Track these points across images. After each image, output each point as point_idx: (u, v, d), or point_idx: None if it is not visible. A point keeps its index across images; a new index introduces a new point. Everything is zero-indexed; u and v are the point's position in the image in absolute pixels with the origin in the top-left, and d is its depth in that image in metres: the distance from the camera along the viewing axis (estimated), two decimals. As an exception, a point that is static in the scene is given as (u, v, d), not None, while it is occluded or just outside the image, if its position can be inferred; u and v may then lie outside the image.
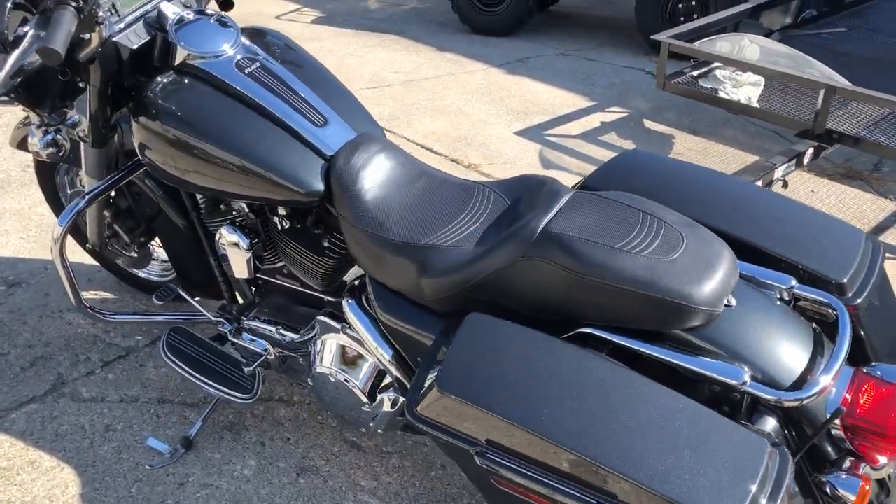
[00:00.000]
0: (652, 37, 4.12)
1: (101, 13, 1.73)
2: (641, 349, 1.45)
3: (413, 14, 6.53)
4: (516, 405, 1.37)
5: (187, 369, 2.12)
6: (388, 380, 1.88)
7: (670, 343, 1.46)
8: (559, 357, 1.42)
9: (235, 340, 2.17)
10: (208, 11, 1.93)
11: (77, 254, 2.96)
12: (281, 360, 2.13)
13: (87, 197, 2.08)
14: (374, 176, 1.78)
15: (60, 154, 2.07)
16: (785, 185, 3.45)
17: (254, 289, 2.21)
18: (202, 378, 2.11)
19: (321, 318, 1.93)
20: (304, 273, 1.97)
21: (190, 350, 2.17)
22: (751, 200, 1.71)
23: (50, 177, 2.65)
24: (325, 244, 1.90)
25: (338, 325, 1.89)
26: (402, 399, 1.82)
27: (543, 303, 1.53)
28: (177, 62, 1.86)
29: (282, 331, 2.06)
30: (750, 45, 4.04)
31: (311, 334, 1.98)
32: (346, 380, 1.88)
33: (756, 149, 4.23)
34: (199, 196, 2.10)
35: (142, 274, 2.73)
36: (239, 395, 2.08)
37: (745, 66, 3.84)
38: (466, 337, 1.48)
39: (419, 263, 1.64)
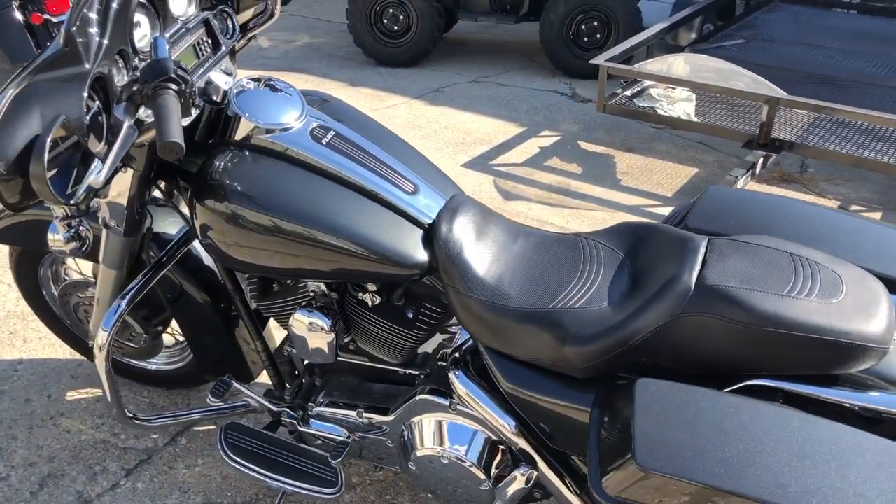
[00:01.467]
0: (591, 61, 4.20)
1: (196, 93, 1.55)
2: (820, 395, 1.44)
3: (310, 49, 6.36)
4: (726, 472, 1.31)
5: (259, 470, 1.92)
6: (498, 454, 1.77)
7: (843, 384, 1.45)
8: (751, 414, 1.37)
9: (305, 430, 1.99)
10: (262, 76, 1.76)
11: (45, 347, 2.66)
12: (360, 445, 1.97)
13: (129, 295, 1.85)
14: (479, 241, 1.68)
15: (84, 248, 1.83)
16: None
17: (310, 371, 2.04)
18: (279, 478, 1.92)
19: (422, 396, 1.79)
20: (383, 348, 1.83)
21: (253, 447, 1.97)
22: (851, 229, 1.74)
23: (32, 269, 2.35)
24: (413, 316, 1.78)
25: (445, 402, 1.77)
26: (535, 473, 1.72)
27: (707, 358, 1.49)
28: (239, 136, 1.68)
29: (364, 414, 1.90)
30: (681, 63, 4.19)
31: (407, 414, 1.84)
32: (459, 459, 1.76)
33: (692, 161, 4.40)
34: (246, 278, 1.92)
35: (144, 364, 2.46)
36: (325, 490, 1.90)
37: (695, 85, 3.97)
38: (646, 406, 1.41)
39: (556, 331, 1.56)
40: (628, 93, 4.31)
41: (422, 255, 1.65)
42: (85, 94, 1.38)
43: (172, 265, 1.97)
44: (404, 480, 2.23)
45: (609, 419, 1.49)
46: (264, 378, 2.17)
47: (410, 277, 1.67)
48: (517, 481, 1.74)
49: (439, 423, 1.80)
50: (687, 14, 4.90)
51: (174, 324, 2.31)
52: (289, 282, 1.86)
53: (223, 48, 1.79)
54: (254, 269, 1.73)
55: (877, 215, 3.83)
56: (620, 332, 1.51)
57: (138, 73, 1.44)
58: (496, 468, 1.78)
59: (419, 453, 1.81)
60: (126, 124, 1.43)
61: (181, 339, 2.42)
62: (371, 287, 1.76)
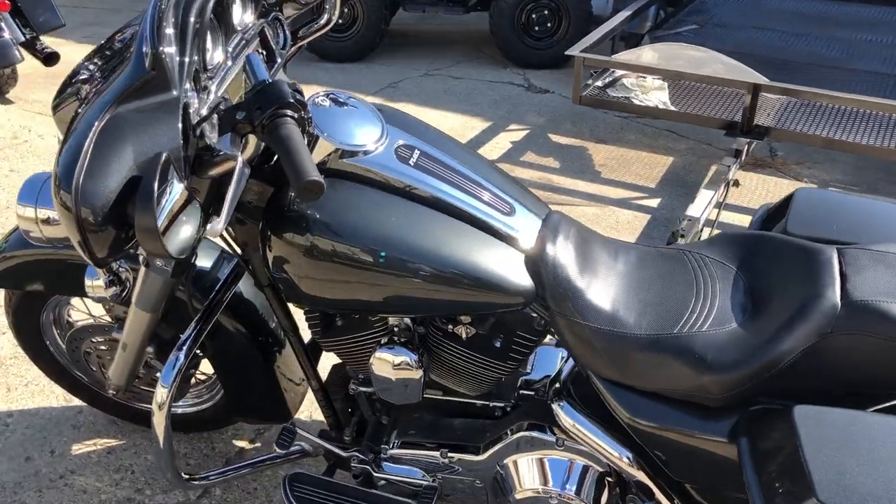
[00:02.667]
0: (566, 52, 4.10)
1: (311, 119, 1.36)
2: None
3: (246, 47, 6.05)
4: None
5: (331, 526, 1.74)
6: (606, 487, 1.66)
7: None
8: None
9: (380, 475, 1.81)
10: (328, 90, 1.57)
11: (33, 394, 2.39)
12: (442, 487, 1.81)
13: (186, 346, 1.64)
14: (585, 262, 1.55)
15: (124, 293, 1.61)
16: (736, 184, 3.58)
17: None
18: (352, 534, 1.74)
19: (524, 433, 1.65)
20: (467, 382, 1.68)
21: (326, 498, 1.78)
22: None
23: (34, 315, 2.08)
24: (504, 346, 1.63)
25: (551, 439, 1.64)
26: None
27: (856, 378, 1.41)
28: (316, 160, 1.49)
29: (450, 454, 1.75)
30: (652, 52, 4.16)
31: (504, 453, 1.69)
32: (568, 497, 1.64)
33: (664, 149, 4.38)
34: (305, 312, 1.73)
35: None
36: (409, 544, 1.74)
37: (678, 74, 3.92)
38: (811, 436, 1.31)
39: (689, 358, 1.44)
40: (600, 83, 4.24)
41: (527, 282, 1.51)
42: (180, 126, 1.17)
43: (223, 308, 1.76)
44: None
45: (764, 450, 1.39)
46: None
47: (515, 306, 1.53)
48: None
49: (542, 461, 1.67)
50: (645, 1, 4.87)
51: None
52: (356, 316, 1.68)
53: (278, 60, 1.59)
54: (340, 305, 1.55)
55: (854, 197, 3.89)
56: (766, 356, 1.41)
57: (241, 100, 1.24)
58: (609, 502, 1.66)
59: (520, 494, 1.68)
60: (239, 161, 1.22)
61: (202, 377, 2.20)
62: (464, 319, 1.61)
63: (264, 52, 1.58)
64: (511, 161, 4.19)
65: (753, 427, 1.43)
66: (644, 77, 4.18)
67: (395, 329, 1.64)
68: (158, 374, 2.02)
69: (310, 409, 2.33)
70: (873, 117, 3.83)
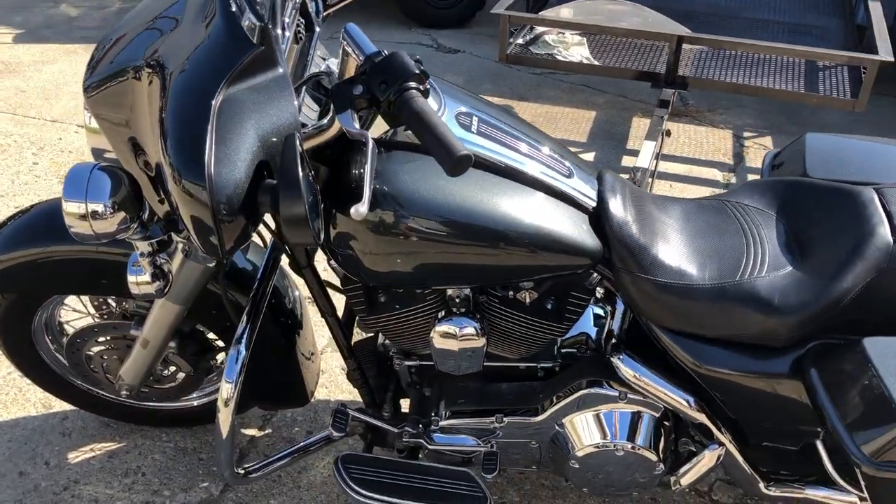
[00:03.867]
0: (492, 11, 4.08)
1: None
2: None
3: (130, 15, 5.66)
4: None
5: (400, 502, 1.72)
6: (664, 433, 1.72)
7: None
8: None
9: (433, 447, 1.80)
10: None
11: (6, 404, 2.22)
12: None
13: (244, 339, 1.55)
14: (643, 218, 1.59)
15: (165, 287, 1.51)
16: (668, 134, 3.72)
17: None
18: (421, 506, 1.73)
19: (588, 390, 1.68)
20: (520, 346, 1.69)
21: (382, 476, 1.75)
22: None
23: (25, 320, 1.90)
24: (559, 308, 1.65)
25: (614, 393, 1.68)
26: (720, 448, 1.68)
27: None
28: (374, 134, 1.44)
29: (506, 418, 1.76)
30: (573, 8, 4.22)
31: (565, 412, 1.72)
32: (633, 447, 1.69)
33: (586, 104, 4.49)
34: (348, 291, 1.67)
35: (182, 403, 2.11)
36: (475, 507, 1.74)
37: (606, 30, 3.97)
38: (885, 364, 1.41)
39: (755, 303, 1.51)
40: (521, 41, 4.26)
41: (595, 242, 1.53)
42: (296, 104, 1.10)
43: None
44: (550, 479, 2.11)
45: (838, 382, 1.48)
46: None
47: (584, 267, 1.54)
48: (708, 459, 1.69)
49: (604, 415, 1.70)
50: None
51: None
52: (401, 291, 1.64)
53: (317, 29, 1.51)
54: (409, 280, 1.51)
55: (767, 140, 4.14)
56: (829, 295, 1.49)
57: (358, 75, 1.16)
58: (666, 447, 1.72)
59: (583, 451, 1.71)
60: (370, 140, 1.15)
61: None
62: (526, 283, 1.61)
63: (302, 21, 1.50)
64: (442, 123, 4.16)
65: (821, 362, 1.51)
66: (563, 33, 4.24)
67: (456, 300, 1.62)
68: (166, 371, 1.94)
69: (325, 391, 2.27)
70: (775, 62, 4.06)
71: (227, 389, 1.52)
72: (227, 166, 1.05)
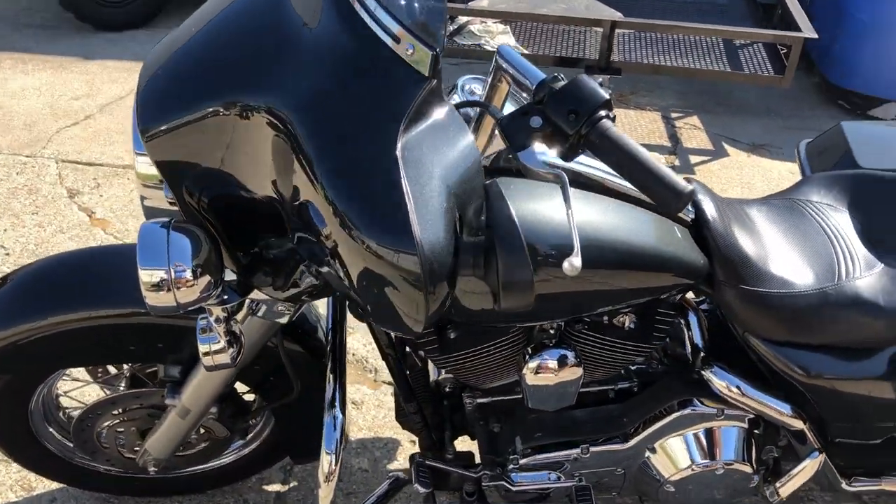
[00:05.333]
0: (419, 3, 3.91)
1: None
2: None
3: (-7, 19, 5.07)
4: None
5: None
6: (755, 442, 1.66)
7: None
8: None
9: (517, 488, 1.66)
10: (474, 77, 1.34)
11: None
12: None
13: (338, 400, 1.38)
14: (738, 228, 1.51)
15: (239, 355, 1.31)
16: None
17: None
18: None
19: (684, 411, 1.59)
20: (604, 371, 1.59)
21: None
22: None
23: (21, 402, 1.61)
24: (646, 327, 1.55)
25: (712, 410, 1.60)
26: (821, 455, 1.63)
27: None
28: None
29: (591, 448, 1.64)
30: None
31: (657, 436, 1.62)
32: (731, 464, 1.62)
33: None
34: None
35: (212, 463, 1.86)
36: (573, 545, 1.63)
37: (542, 17, 3.89)
38: None
39: (861, 306, 1.47)
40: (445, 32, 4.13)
41: (702, 257, 1.44)
42: (472, 140, 0.93)
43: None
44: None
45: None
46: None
47: (691, 284, 1.45)
48: (810, 467, 1.65)
49: (701, 434, 1.62)
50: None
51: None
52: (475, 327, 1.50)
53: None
54: (513, 316, 1.36)
55: (694, 119, 4.21)
56: (931, 292, 1.47)
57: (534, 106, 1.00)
58: (759, 458, 1.67)
59: (679, 475, 1.63)
60: (566, 178, 0.99)
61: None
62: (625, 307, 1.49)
63: None
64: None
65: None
66: (485, 22, 4.14)
67: (550, 331, 1.48)
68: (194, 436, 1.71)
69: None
70: (696, 43, 4.13)
71: (328, 462, 1.33)
72: (429, 226, 0.87)
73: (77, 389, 1.83)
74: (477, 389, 1.66)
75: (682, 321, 1.69)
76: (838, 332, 1.49)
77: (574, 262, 0.94)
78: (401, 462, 2.08)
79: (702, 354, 1.62)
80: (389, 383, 2.31)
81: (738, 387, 1.57)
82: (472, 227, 0.99)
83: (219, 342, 1.25)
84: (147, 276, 1.10)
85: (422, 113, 0.95)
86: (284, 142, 0.99)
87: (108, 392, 1.68)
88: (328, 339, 1.50)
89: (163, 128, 1.13)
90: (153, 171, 1.22)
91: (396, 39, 0.95)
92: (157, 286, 1.11)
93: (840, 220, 1.61)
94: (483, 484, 1.67)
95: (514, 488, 1.67)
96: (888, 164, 1.73)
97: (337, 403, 1.37)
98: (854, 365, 1.54)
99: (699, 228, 1.46)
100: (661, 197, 0.96)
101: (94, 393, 1.93)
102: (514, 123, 1.01)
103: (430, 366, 1.71)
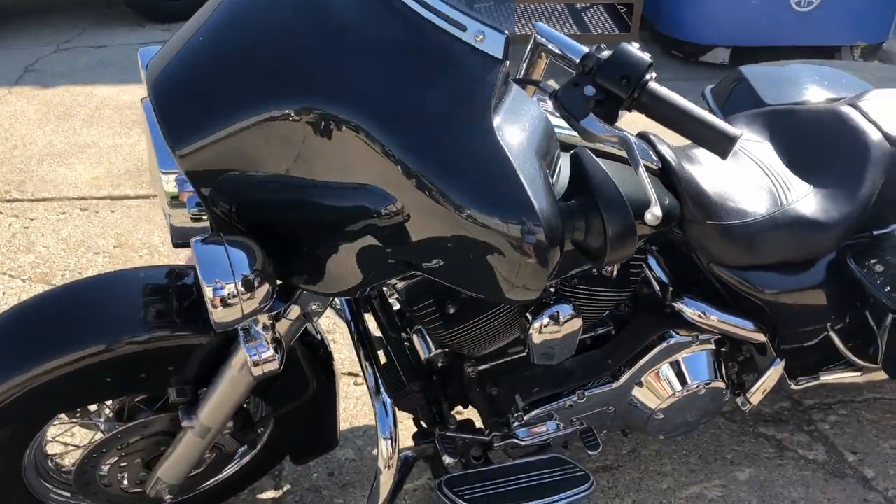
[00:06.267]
0: None
1: None
2: None
3: None
4: None
5: (518, 508, 1.67)
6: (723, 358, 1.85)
7: None
8: None
9: (525, 441, 1.75)
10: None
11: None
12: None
13: (381, 385, 1.41)
14: (695, 170, 1.66)
15: (283, 360, 1.33)
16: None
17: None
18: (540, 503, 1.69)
19: (664, 343, 1.74)
20: (590, 319, 1.72)
21: (491, 488, 1.68)
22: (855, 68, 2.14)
23: (15, 456, 1.50)
24: (626, 273, 1.69)
25: (689, 338, 1.76)
26: (781, 362, 1.83)
27: None
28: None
29: (587, 393, 1.76)
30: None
31: (643, 371, 1.76)
32: (709, 384, 1.79)
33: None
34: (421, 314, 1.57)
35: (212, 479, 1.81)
36: (583, 487, 1.74)
37: None
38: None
39: (805, 226, 1.67)
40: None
41: (675, 201, 1.58)
42: (541, 112, 0.99)
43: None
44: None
45: (881, 271, 1.70)
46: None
47: (669, 228, 1.59)
48: (773, 375, 1.84)
49: (682, 361, 1.78)
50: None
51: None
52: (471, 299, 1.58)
53: None
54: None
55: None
56: (859, 203, 1.71)
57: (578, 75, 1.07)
58: (727, 374, 1.85)
59: (666, 402, 1.78)
60: (631, 138, 1.06)
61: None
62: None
63: None
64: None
65: (860, 258, 1.73)
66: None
67: (549, 289, 1.58)
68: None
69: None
70: (545, 11, 4.36)
71: (386, 448, 1.36)
72: (540, 196, 0.93)
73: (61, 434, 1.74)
74: (472, 358, 1.73)
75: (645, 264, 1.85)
76: (788, 250, 1.69)
77: (655, 212, 1.04)
78: (384, 446, 2.11)
79: (671, 289, 1.77)
80: (350, 374, 2.34)
81: (707, 312, 1.74)
82: (560, 192, 1.06)
83: (267, 349, 1.25)
84: (212, 291, 1.09)
85: (500, 93, 1.00)
86: (362, 143, 1.01)
87: (101, 429, 1.60)
88: (352, 330, 1.52)
89: (200, 143, 1.11)
90: (177, 189, 1.20)
91: (462, 28, 1.00)
92: (223, 300, 1.10)
93: (766, 153, 1.81)
94: (495, 444, 1.75)
95: (523, 443, 1.76)
96: (789, 99, 1.96)
97: (382, 389, 1.40)
98: (801, 276, 1.75)
99: (667, 175, 1.60)
100: (714, 142, 1.08)
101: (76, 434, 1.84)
102: (570, 95, 1.09)
103: (419, 346, 1.77)
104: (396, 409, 1.81)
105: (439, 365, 1.77)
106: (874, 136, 1.74)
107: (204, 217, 1.23)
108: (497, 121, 0.98)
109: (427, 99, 1.00)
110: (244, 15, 1.14)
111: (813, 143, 1.81)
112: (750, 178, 1.74)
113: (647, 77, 1.11)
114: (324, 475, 2.03)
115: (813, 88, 1.99)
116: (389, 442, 1.37)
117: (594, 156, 1.09)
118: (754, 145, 1.83)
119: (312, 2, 1.09)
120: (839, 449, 2.14)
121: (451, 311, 1.56)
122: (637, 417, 1.84)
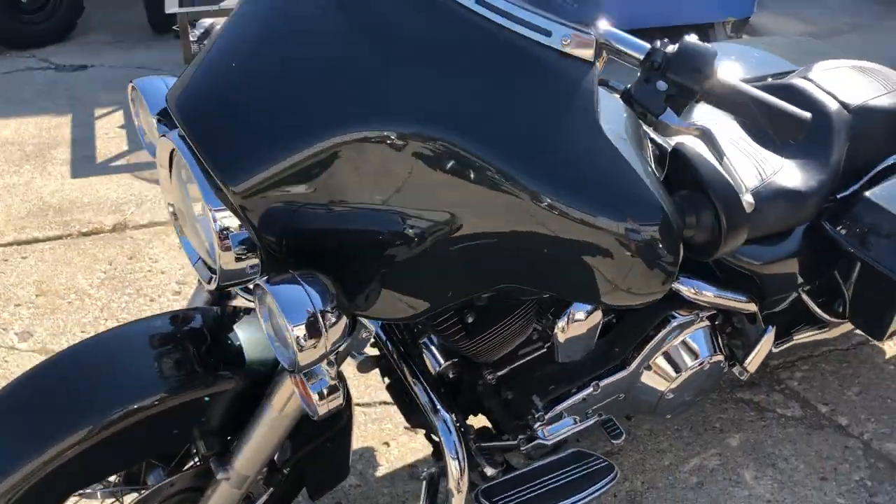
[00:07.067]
0: (168, 11, 3.65)
1: None
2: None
3: None
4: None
5: (554, 509, 1.66)
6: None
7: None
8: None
9: (550, 441, 1.74)
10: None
11: None
12: None
13: (436, 402, 1.38)
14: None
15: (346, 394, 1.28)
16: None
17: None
18: (570, 500, 1.69)
19: (669, 325, 1.77)
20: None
21: (527, 493, 1.66)
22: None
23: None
24: None
25: (691, 317, 1.80)
26: (772, 329, 1.91)
27: (872, 150, 1.91)
28: None
29: (601, 384, 1.77)
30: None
31: (651, 354, 1.79)
32: (711, 358, 1.84)
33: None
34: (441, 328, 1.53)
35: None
36: (610, 477, 1.75)
37: None
38: (889, 203, 1.80)
39: (789, 196, 1.74)
40: (193, 37, 3.92)
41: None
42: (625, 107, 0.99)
43: None
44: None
45: (862, 231, 1.81)
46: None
47: None
48: (767, 341, 1.92)
49: (687, 340, 1.82)
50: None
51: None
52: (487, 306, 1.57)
53: None
54: None
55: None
56: (832, 169, 1.82)
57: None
58: (723, 346, 1.92)
59: (675, 382, 1.82)
60: (711, 129, 1.06)
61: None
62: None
63: None
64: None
65: (836, 220, 1.84)
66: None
67: None
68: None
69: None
70: None
71: (456, 469, 1.31)
72: (658, 193, 0.92)
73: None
74: (488, 365, 1.71)
75: None
76: (776, 221, 1.77)
77: (748, 199, 1.05)
78: (385, 467, 2.06)
79: (669, 271, 1.81)
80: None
81: (703, 290, 1.79)
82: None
83: (331, 383, 1.19)
84: (300, 331, 1.02)
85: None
86: (454, 161, 0.97)
87: (119, 498, 1.47)
88: (389, 349, 1.46)
89: (259, 176, 1.03)
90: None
91: (547, 33, 0.97)
92: (312, 339, 1.03)
93: (733, 131, 1.88)
94: (521, 448, 1.74)
95: (548, 442, 1.76)
96: (749, 75, 2.05)
97: (438, 404, 1.35)
98: (784, 245, 1.83)
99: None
100: (785, 128, 1.10)
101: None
102: (644, 91, 1.08)
103: (429, 360, 1.73)
104: (415, 427, 1.78)
105: (450, 376, 1.74)
106: (832, 105, 1.85)
107: (246, 256, 1.14)
108: (602, 124, 0.97)
109: (529, 111, 0.97)
110: (292, 35, 1.06)
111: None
112: (730, 156, 1.80)
113: (716, 66, 1.12)
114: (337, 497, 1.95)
115: (765, 65, 2.09)
116: (457, 462, 1.33)
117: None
118: (716, 125, 1.89)
119: (374, 17, 1.03)
120: (812, 403, 2.26)
121: (470, 320, 1.53)
122: (647, 401, 1.87)
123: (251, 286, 1.17)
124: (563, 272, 1.07)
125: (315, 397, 1.18)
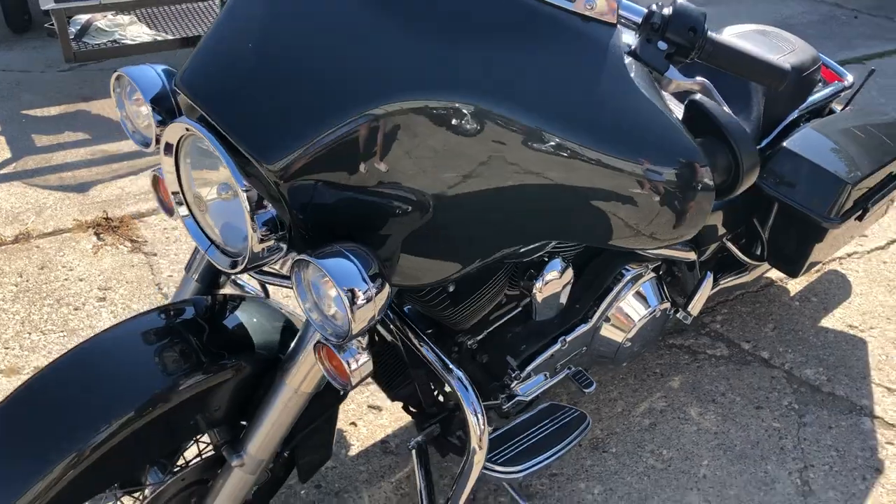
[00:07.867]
0: (43, 8, 3.45)
1: None
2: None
3: None
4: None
5: (544, 456, 1.75)
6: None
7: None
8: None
9: (526, 398, 1.83)
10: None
11: None
12: None
13: (449, 363, 1.41)
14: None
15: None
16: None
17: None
18: (555, 449, 1.79)
19: (625, 278, 1.89)
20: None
21: (515, 447, 1.75)
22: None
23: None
24: None
25: (641, 268, 1.93)
26: (711, 274, 2.07)
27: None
28: None
29: (568, 339, 1.87)
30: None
31: (609, 306, 1.91)
32: (661, 305, 1.98)
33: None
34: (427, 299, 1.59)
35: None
36: (584, 425, 1.86)
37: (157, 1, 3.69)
38: (805, 150, 2.01)
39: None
40: (71, 35, 3.72)
41: None
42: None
43: None
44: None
45: (787, 178, 2.00)
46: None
47: None
48: (704, 287, 2.08)
49: (641, 290, 1.95)
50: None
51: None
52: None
53: None
54: None
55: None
56: (755, 122, 2.01)
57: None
58: (668, 293, 2.06)
59: (632, 331, 1.95)
60: (709, 83, 1.15)
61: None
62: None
63: None
64: (39, 160, 3.47)
65: (763, 167, 2.01)
66: (105, 15, 3.85)
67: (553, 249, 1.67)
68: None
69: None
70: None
71: (476, 425, 1.36)
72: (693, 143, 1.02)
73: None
74: (465, 332, 1.78)
75: None
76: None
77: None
78: (357, 446, 2.08)
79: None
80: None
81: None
82: None
83: (362, 354, 1.22)
84: (352, 300, 1.04)
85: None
86: (496, 127, 1.03)
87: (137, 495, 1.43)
88: (391, 318, 1.49)
89: (295, 152, 1.05)
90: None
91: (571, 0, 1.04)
92: (361, 307, 1.06)
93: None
94: (503, 407, 1.82)
95: (526, 398, 1.84)
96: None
97: (451, 365, 1.40)
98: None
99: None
100: (770, 80, 1.22)
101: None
102: (647, 51, 1.17)
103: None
104: (402, 402, 1.82)
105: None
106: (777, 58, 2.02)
107: (272, 237, 1.15)
108: (634, 79, 1.05)
109: (565, 72, 1.03)
110: (313, 11, 1.08)
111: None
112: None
113: (707, 27, 1.23)
114: (311, 489, 1.97)
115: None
116: (477, 417, 1.38)
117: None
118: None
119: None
120: (735, 341, 2.47)
121: (451, 289, 1.59)
122: (608, 351, 1.99)
123: (284, 265, 1.18)
124: (609, 222, 1.15)
125: (348, 367, 1.20)
